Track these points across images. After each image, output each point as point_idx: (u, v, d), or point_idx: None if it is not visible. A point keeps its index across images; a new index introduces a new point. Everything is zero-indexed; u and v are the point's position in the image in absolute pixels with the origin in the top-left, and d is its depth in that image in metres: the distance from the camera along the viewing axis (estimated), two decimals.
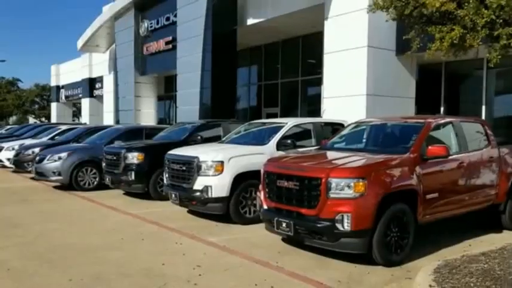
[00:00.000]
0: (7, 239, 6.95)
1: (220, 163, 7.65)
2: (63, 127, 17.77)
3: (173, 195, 8.18)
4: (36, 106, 55.46)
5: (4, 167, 16.82)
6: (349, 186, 5.27)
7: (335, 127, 9.46)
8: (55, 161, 11.88)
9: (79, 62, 32.58)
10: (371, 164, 5.58)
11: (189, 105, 16.49)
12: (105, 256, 6.07)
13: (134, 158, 10.27)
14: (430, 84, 14.01)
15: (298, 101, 18.39)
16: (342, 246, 5.40)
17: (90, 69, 30.81)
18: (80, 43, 25.74)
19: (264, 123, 9.77)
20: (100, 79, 29.25)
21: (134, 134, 13.11)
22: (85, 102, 31.95)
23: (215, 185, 7.60)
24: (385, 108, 11.82)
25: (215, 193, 7.59)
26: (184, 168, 8.01)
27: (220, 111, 15.18)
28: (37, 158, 12.44)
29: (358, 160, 5.78)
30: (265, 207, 6.22)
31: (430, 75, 14.05)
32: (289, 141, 8.31)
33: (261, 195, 6.31)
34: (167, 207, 9.25)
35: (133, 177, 10.19)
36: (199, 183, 7.74)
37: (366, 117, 8.11)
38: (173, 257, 5.99)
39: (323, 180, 5.36)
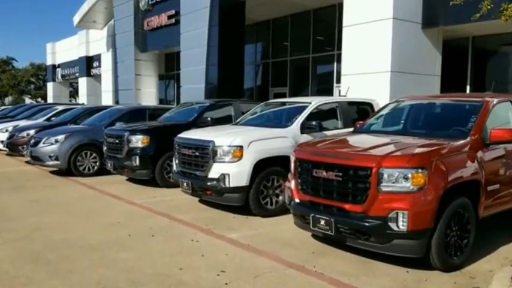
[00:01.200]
0: None
1: (238, 148, 6.73)
2: (60, 107, 16.78)
3: (184, 184, 7.28)
4: (32, 86, 54.27)
5: None
6: (405, 178, 4.39)
7: (362, 107, 8.55)
8: (51, 144, 10.95)
9: (76, 40, 31.38)
10: (431, 151, 4.67)
11: (193, 84, 15.49)
12: (111, 257, 5.20)
13: (139, 141, 9.34)
14: (455, 61, 13.01)
15: (309, 80, 17.39)
16: (395, 248, 4.53)
17: (87, 47, 29.64)
18: (76, 19, 24.54)
19: (284, 103, 8.81)
20: (98, 57, 28.12)
21: (137, 115, 12.15)
22: (82, 82, 30.86)
23: (233, 173, 6.70)
24: (410, 87, 10.88)
25: (233, 182, 6.70)
26: (197, 153, 7.09)
27: (228, 91, 14.21)
28: (32, 140, 11.51)
29: (412, 146, 4.88)
30: (297, 200, 5.33)
31: (456, 51, 13.05)
32: (314, 122, 7.39)
33: (292, 186, 5.41)
34: (176, 195, 8.40)
35: (137, 162, 9.28)
36: (215, 171, 6.84)
37: (405, 96, 7.17)
38: (191, 259, 5.12)
39: (373, 170, 4.47)
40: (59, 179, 10.80)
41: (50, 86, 37.73)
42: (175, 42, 16.66)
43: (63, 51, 34.91)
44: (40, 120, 15.84)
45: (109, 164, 9.89)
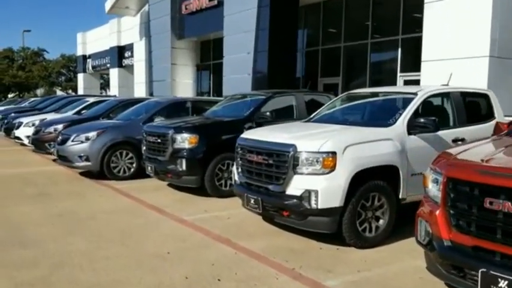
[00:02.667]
0: (6, 271, 4.43)
1: (331, 155, 4.91)
2: (91, 99, 15.29)
3: (251, 201, 5.51)
4: (63, 78, 53.74)
5: (24, 145, 14.51)
6: None
7: (475, 99, 6.59)
8: (82, 142, 9.36)
9: (107, 29, 30.08)
10: None
11: (238, 74, 13.72)
12: None
13: (186, 141, 7.63)
14: None
15: (366, 69, 15.37)
16: None
17: (118, 36, 28.28)
18: (108, 5, 23.08)
19: (376, 94, 6.88)
20: (130, 47, 26.71)
21: (178, 108, 10.50)
22: (113, 73, 29.56)
23: (323, 189, 4.88)
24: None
25: (323, 202, 4.88)
26: (270, 161, 5.30)
27: (279, 81, 12.38)
28: (59, 137, 9.96)
29: None
30: (446, 242, 3.47)
31: None
32: (423, 120, 5.50)
33: (438, 220, 3.55)
34: (232, 209, 6.77)
35: (184, 166, 7.58)
36: (296, 186, 5.04)
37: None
38: None
39: None
40: (89, 183, 9.22)
41: (80, 77, 36.66)
42: (217, 26, 14.91)
43: (94, 41, 33.70)
44: (69, 113, 14.38)
45: (149, 168, 8.21)
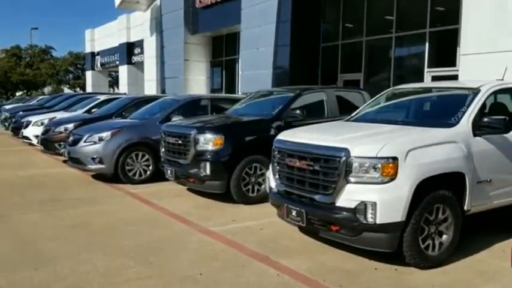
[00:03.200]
0: None
1: (391, 161, 4.20)
2: (102, 97, 14.61)
3: (293, 212, 4.80)
4: (71, 76, 53.33)
5: (32, 145, 13.89)
6: None
7: None
8: (95, 143, 8.70)
9: (115, 25, 29.47)
10: None
11: (256, 70, 13.01)
12: None
13: (210, 142, 6.94)
14: None
15: (390, 65, 14.58)
16: None
17: (128, 32, 27.66)
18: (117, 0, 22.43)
19: (429, 89, 6.13)
20: (139, 43, 26.09)
21: (196, 107, 9.82)
22: (122, 70, 28.95)
23: (382, 200, 4.17)
24: None
25: (382, 216, 4.17)
26: (317, 168, 4.59)
27: (302, 77, 11.64)
28: (70, 138, 9.30)
29: None
30: None
31: None
32: (490, 119, 4.77)
33: None
34: (262, 218, 6.22)
35: (208, 170, 6.89)
36: (348, 197, 4.33)
37: None
38: None
39: None
40: (103, 187, 8.56)
41: (88, 74, 36.10)
42: (234, 20, 14.19)
43: (102, 37, 33.10)
44: (79, 112, 13.73)
45: (168, 172, 7.53)
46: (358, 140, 4.53)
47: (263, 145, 7.21)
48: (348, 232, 4.43)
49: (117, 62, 30.13)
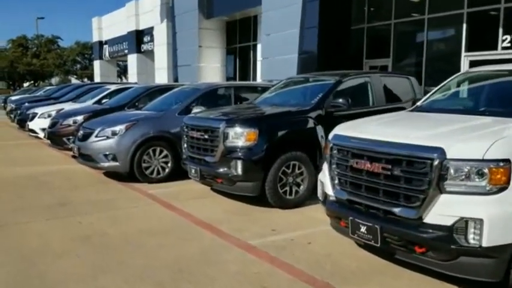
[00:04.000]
0: None
1: (502, 165, 3.18)
2: (112, 87, 13.65)
3: (363, 228, 3.81)
4: (78, 66, 52.53)
5: (39, 138, 12.99)
6: None
7: None
8: (107, 137, 7.75)
9: (124, 13, 28.45)
10: None
11: (279, 55, 11.96)
12: None
13: (242, 137, 5.95)
14: None
15: (423, 49, 13.46)
16: None
17: (136, 19, 26.63)
18: None
19: None
20: (149, 31, 25.08)
21: (218, 96, 8.91)
22: (132, 59, 27.96)
23: (491, 217, 3.17)
24: None
25: (490, 237, 3.18)
26: (396, 172, 3.59)
27: (331, 62, 10.57)
28: (80, 132, 8.35)
29: None
30: None
31: None
32: None
33: None
34: (305, 226, 5.44)
35: (240, 170, 5.91)
36: (442, 211, 3.34)
37: None
38: None
39: None
40: (117, 187, 7.62)
41: (96, 64, 35.14)
42: (253, 1, 13.06)
43: (110, 26, 32.09)
44: (88, 102, 12.79)
45: (193, 170, 6.55)
46: (454, 136, 3.51)
47: (302, 140, 6.30)
48: (439, 256, 3.43)
49: (126, 51, 29.14)
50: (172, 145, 7.86)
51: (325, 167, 4.48)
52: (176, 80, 17.88)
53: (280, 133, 6.10)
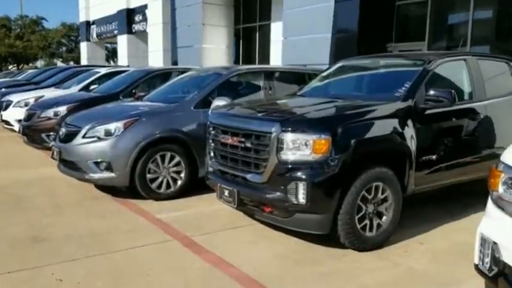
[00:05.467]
0: None
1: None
2: (103, 70, 11.50)
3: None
4: (64, 48, 49.88)
5: (14, 131, 10.82)
6: None
7: None
8: (99, 139, 5.70)
9: None
10: None
11: (306, 34, 9.87)
12: None
13: (308, 147, 3.96)
14: None
15: (467, 30, 11.47)
16: None
17: None
18: None
19: None
20: (141, 9, 22.77)
21: (245, 83, 6.84)
22: (122, 40, 25.61)
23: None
24: None
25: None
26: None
27: (374, 43, 8.58)
28: (62, 130, 6.24)
29: None
30: None
31: None
32: None
33: None
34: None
35: (303, 196, 3.92)
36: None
37: None
38: None
39: None
40: (114, 206, 5.61)
41: (83, 46, 32.57)
42: None
43: (98, 4, 29.51)
44: (74, 89, 10.65)
45: (226, 192, 4.51)
46: None
47: (388, 149, 4.34)
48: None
49: (116, 32, 26.75)
50: (187, 149, 5.89)
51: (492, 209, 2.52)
52: (175, 63, 15.74)
53: (361, 140, 4.11)
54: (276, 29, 12.17)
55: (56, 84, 12.33)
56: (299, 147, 3.96)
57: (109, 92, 8.55)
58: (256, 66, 8.33)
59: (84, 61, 31.40)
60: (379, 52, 8.13)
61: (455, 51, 5.67)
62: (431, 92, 4.52)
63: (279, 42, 11.77)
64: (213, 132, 4.79)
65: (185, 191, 5.96)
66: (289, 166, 3.99)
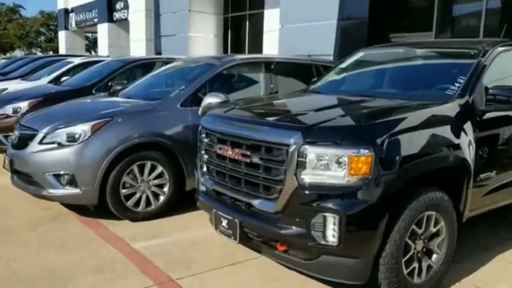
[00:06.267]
0: None
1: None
2: (77, 60, 10.22)
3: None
4: (42, 38, 47.99)
5: None
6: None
7: None
8: (60, 146, 4.51)
9: None
10: None
11: (308, 22, 8.75)
12: None
13: (342, 165, 2.83)
14: None
15: (481, 19, 10.46)
16: None
17: None
18: None
19: None
20: None
21: (242, 77, 5.69)
22: (102, 29, 24.16)
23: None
24: None
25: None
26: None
27: (384, 31, 7.50)
28: (15, 134, 5.01)
29: None
30: None
31: None
32: None
33: None
34: None
35: (336, 234, 2.80)
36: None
37: None
38: None
39: None
40: (79, 231, 4.43)
41: (61, 35, 30.89)
42: None
43: None
44: (44, 81, 9.38)
45: (224, 222, 3.35)
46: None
47: (442, 167, 3.23)
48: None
49: (96, 20, 25.25)
50: (172, 157, 4.76)
51: None
52: (159, 54, 14.47)
53: (412, 156, 3.01)
54: (270, 17, 11.06)
55: (25, 76, 10.99)
56: (328, 165, 2.85)
57: (80, 85, 7.34)
58: (256, 55, 7.14)
59: (62, 51, 29.79)
60: (389, 41, 7.07)
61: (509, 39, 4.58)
62: (493, 90, 3.44)
63: (274, 31, 10.64)
64: (206, 140, 3.64)
65: (169, 208, 4.83)
66: (314, 191, 2.88)
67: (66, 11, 29.43)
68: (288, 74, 5.67)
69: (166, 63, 6.61)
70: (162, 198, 4.80)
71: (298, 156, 2.89)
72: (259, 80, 5.50)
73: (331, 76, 4.62)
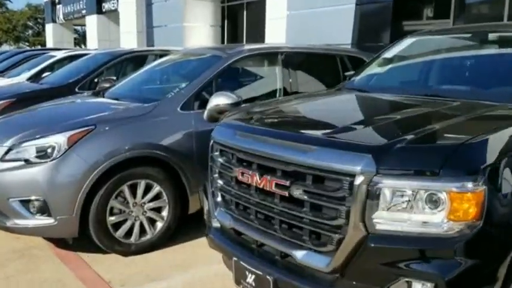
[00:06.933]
0: None
1: None
2: (60, 54, 9.17)
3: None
4: (30, 32, 46.62)
5: None
6: None
7: None
8: (27, 163, 3.49)
9: None
10: None
11: (321, 7, 7.76)
12: None
13: (438, 204, 1.85)
14: None
15: (504, 4, 9.50)
16: None
17: None
18: None
19: None
20: None
21: (253, 72, 4.70)
22: (91, 21, 23.03)
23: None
24: None
25: None
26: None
27: (409, 18, 6.54)
28: None
29: None
30: None
31: None
32: None
33: None
34: None
35: None
36: None
37: None
38: None
39: None
40: (54, 271, 3.49)
41: (49, 28, 29.66)
42: None
43: None
44: (23, 77, 8.33)
45: (249, 277, 2.37)
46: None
47: None
48: None
49: (84, 12, 24.09)
50: (172, 173, 3.76)
51: None
52: (152, 45, 13.43)
53: None
54: (274, 3, 10.06)
55: (3, 72, 9.93)
56: (416, 206, 1.88)
57: (61, 83, 6.31)
58: (269, 45, 6.10)
59: (50, 45, 28.57)
60: (414, 30, 6.09)
61: None
62: None
63: (279, 19, 9.64)
64: (220, 160, 2.65)
65: (169, 237, 3.86)
66: (393, 245, 1.90)
67: (53, 3, 28.21)
68: (308, 67, 4.69)
69: (161, 56, 5.60)
70: (159, 224, 3.83)
71: (367, 192, 1.92)
72: (276, 74, 4.50)
73: (374, 69, 3.63)
